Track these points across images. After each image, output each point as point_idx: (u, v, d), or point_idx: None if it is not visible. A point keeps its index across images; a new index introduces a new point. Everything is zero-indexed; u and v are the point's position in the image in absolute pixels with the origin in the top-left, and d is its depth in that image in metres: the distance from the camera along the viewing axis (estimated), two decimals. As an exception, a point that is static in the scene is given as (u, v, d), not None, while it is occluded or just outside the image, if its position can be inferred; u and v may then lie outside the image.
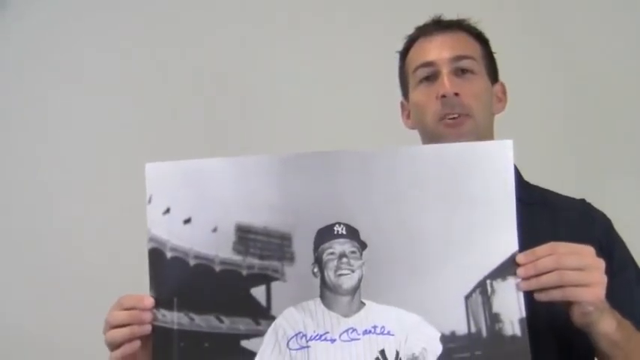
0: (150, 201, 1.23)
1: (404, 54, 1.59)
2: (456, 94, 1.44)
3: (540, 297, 1.17)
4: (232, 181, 1.22)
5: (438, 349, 1.16)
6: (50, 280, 2.26)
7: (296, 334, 1.18)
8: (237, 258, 1.20)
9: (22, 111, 2.33)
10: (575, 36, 2.24)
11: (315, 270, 1.18)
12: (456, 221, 1.20)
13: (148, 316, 1.20)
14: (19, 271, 2.27)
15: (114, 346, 1.21)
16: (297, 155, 1.24)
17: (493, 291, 1.17)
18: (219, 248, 1.20)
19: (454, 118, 1.44)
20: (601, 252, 1.19)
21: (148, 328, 1.20)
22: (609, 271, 1.18)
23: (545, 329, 1.26)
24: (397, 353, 1.17)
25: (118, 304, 1.23)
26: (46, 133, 2.33)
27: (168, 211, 1.23)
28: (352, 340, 1.17)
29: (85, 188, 2.30)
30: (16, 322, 2.24)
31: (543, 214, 1.39)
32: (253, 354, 1.18)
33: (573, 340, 1.27)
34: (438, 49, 1.50)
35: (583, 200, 1.50)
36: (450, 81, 1.46)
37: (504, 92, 1.58)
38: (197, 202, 1.22)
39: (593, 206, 1.49)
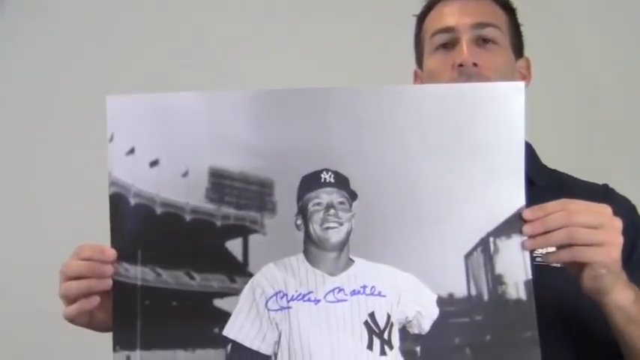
0: (111, 139, 1.08)
1: (421, 18, 1.44)
2: (475, 65, 1.29)
3: (548, 258, 1.06)
4: (205, 118, 1.08)
5: (434, 313, 1.06)
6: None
7: (276, 294, 1.06)
8: (211, 207, 1.07)
9: (21, 108, 2.24)
10: (585, 35, 2.14)
11: (299, 222, 1.07)
12: (458, 170, 1.08)
13: (108, 269, 1.06)
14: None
15: (69, 300, 1.08)
16: (279, 91, 1.10)
17: (496, 250, 1.07)
18: (190, 195, 1.07)
19: None
20: (624, 239, 1.07)
21: (107, 283, 1.06)
22: (633, 261, 1.06)
23: (553, 302, 1.15)
24: (388, 316, 1.06)
25: (75, 254, 1.09)
26: (46, 130, 2.21)
27: (132, 151, 1.08)
28: (338, 301, 1.06)
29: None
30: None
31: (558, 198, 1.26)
32: (227, 315, 1.06)
33: (585, 316, 1.16)
34: (458, 14, 1.35)
35: (606, 185, 1.37)
36: (470, 49, 1.31)
37: (529, 69, 1.43)
38: (165, 142, 1.08)
39: (616, 192, 1.36)
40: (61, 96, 2.20)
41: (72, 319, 1.09)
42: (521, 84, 1.09)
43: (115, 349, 1.05)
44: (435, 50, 1.36)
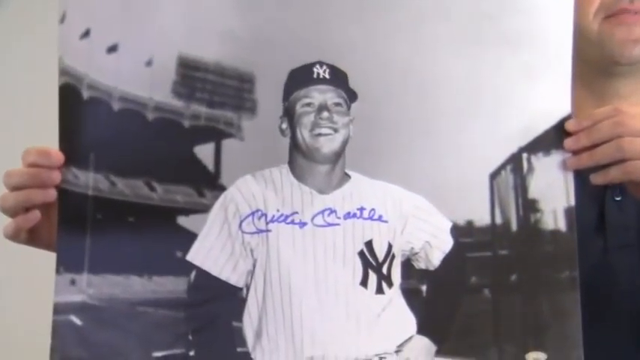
0: (63, 19, 0.93)
1: None
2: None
3: (596, 179, 0.88)
4: None
5: (447, 244, 0.89)
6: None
7: (252, 213, 0.89)
8: (178, 103, 0.91)
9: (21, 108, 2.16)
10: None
11: (284, 126, 0.91)
12: (487, 67, 0.90)
13: (54, 175, 0.90)
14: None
15: (9, 214, 0.92)
16: None
17: (530, 169, 0.90)
18: (154, 89, 0.92)
19: (627, 11, 1.00)
20: None
21: (50, 194, 0.90)
22: None
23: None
24: (389, 247, 0.89)
25: (22, 160, 0.93)
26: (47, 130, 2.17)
27: (87, 34, 0.92)
28: (329, 225, 0.89)
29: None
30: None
31: None
32: (193, 236, 0.90)
33: None
34: None
35: None
36: None
37: None
38: (126, 24, 0.92)
39: None
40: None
41: (11, 238, 0.92)
42: None
43: (58, 271, 0.91)
44: None
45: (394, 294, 0.88)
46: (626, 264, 0.96)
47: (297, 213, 0.89)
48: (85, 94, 0.92)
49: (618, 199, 0.96)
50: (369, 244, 0.88)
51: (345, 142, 0.89)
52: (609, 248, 0.97)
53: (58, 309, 0.89)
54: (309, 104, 0.90)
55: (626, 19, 0.99)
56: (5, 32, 2.19)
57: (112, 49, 0.91)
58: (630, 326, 0.95)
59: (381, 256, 0.88)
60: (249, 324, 0.88)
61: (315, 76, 0.89)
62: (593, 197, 0.94)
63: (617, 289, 0.95)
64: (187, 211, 0.91)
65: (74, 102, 0.92)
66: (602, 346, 0.88)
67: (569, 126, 0.87)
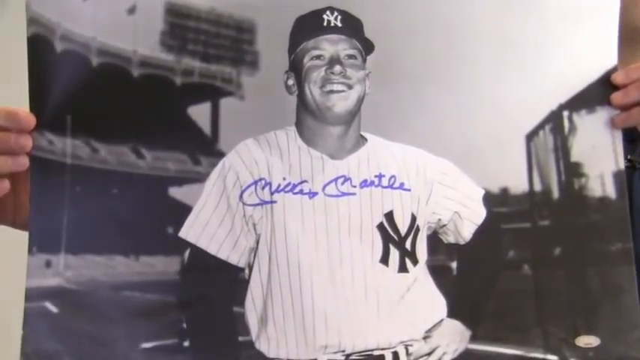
0: (32, -40, 0.84)
1: None
2: None
3: None
4: None
5: (479, 214, 0.82)
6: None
7: (255, 182, 0.81)
8: (168, 57, 0.83)
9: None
10: None
11: (291, 82, 0.83)
12: (522, 11, 0.82)
13: (24, 141, 0.80)
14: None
15: None
16: None
17: (573, 128, 0.82)
18: (139, 40, 0.83)
19: None
20: None
21: (21, 162, 0.80)
22: None
23: None
24: (413, 218, 0.81)
25: None
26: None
27: None
28: (343, 195, 0.80)
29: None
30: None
31: None
32: (187, 208, 0.81)
33: None
34: None
35: None
36: None
37: None
38: None
39: None
40: None
41: None
42: None
43: (30, 251, 0.82)
44: None
45: (420, 272, 0.80)
46: None
47: (306, 182, 0.81)
48: (59, 46, 0.83)
49: None
50: (389, 216, 0.81)
51: (360, 100, 0.82)
52: (636, 235, 0.90)
53: (31, 294, 0.81)
54: (318, 57, 0.82)
55: None
56: (5, 32, 2.11)
57: (90, -6, 0.83)
58: None
59: (403, 229, 0.80)
60: (252, 309, 0.80)
61: (325, 24, 0.82)
62: None
63: None
64: (180, 181, 0.83)
65: (46, 56, 0.82)
66: None
67: (617, 78, 0.80)
